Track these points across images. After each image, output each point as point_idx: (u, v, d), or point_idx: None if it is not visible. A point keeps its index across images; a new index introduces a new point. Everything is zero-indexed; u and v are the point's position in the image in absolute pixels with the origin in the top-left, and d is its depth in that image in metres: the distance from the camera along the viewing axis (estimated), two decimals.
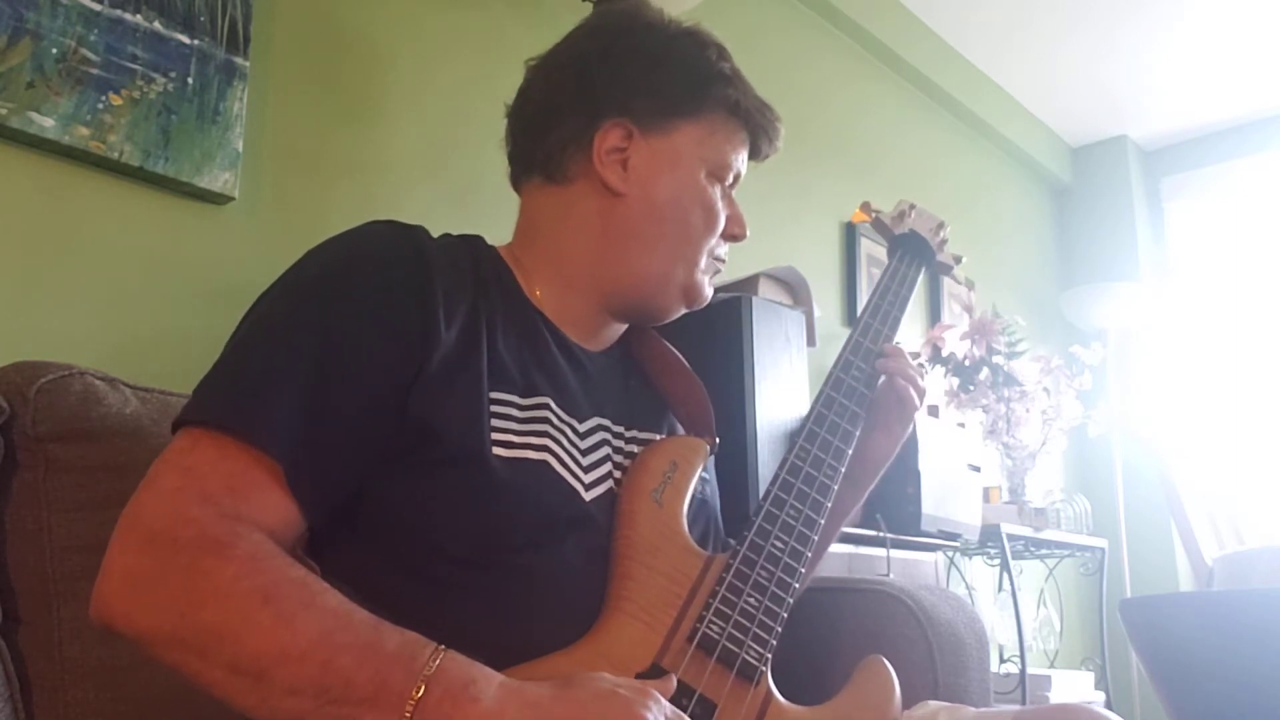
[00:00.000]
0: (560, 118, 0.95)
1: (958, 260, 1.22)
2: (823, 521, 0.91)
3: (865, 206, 1.22)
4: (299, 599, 0.66)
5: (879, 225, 1.21)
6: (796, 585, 0.86)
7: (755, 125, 0.98)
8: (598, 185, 0.93)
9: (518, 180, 0.99)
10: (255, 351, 0.77)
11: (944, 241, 1.21)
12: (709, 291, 0.98)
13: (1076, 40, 3.31)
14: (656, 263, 0.94)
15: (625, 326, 1.01)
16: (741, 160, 0.99)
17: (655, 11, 0.99)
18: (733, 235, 0.99)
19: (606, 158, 0.92)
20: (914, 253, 1.18)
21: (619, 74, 0.94)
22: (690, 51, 0.96)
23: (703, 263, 0.96)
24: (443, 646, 0.66)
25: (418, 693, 0.62)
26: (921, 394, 1.04)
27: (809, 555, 0.88)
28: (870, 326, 1.07)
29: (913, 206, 1.21)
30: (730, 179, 0.98)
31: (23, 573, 0.94)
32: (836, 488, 0.94)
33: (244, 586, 0.65)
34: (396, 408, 0.77)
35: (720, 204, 0.96)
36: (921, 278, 1.19)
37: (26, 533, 0.94)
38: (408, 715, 0.62)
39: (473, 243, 0.96)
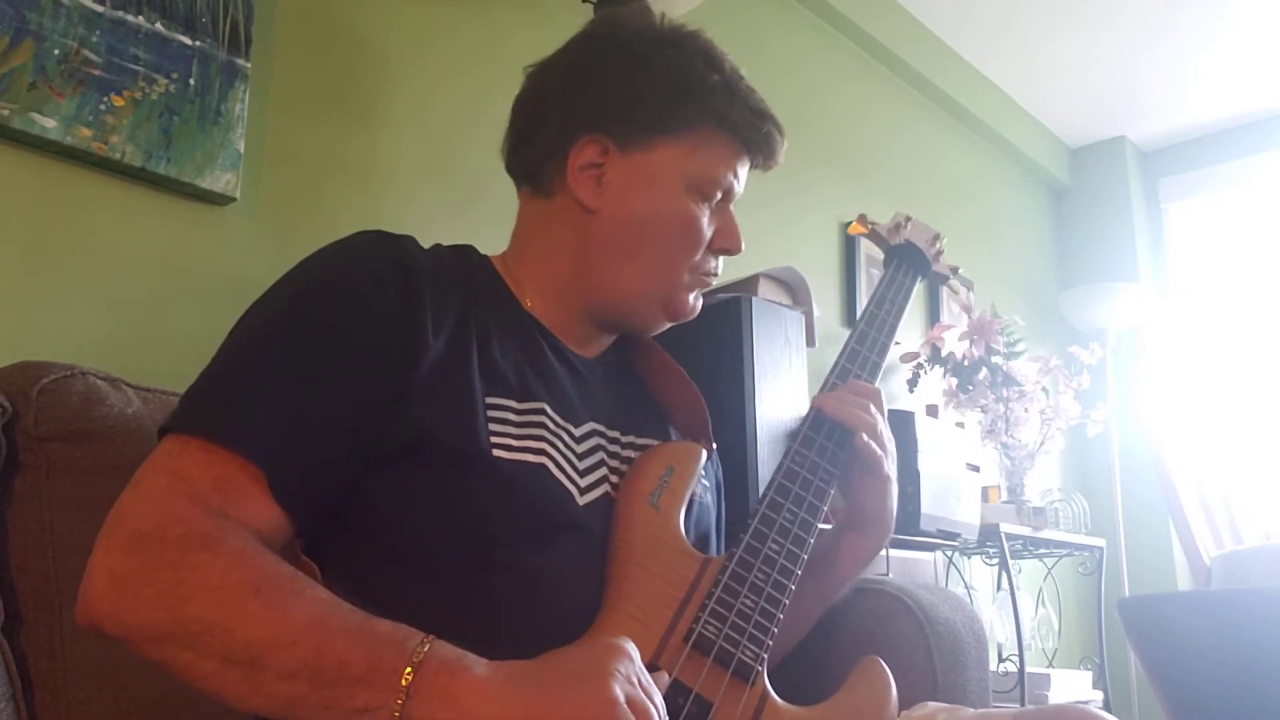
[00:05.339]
0: (540, 130, 0.94)
1: (954, 270, 1.23)
2: (819, 525, 0.91)
3: (862, 219, 1.22)
4: (288, 589, 0.66)
5: (875, 237, 1.21)
6: (792, 586, 0.86)
7: (745, 138, 0.95)
8: (574, 200, 0.92)
9: (516, 187, 1.00)
10: (242, 362, 0.78)
11: (940, 252, 1.21)
12: (695, 306, 0.97)
13: (1075, 41, 3.31)
14: (633, 280, 0.93)
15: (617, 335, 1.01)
16: (734, 174, 0.95)
17: (649, 18, 0.97)
18: (724, 250, 0.97)
19: (580, 174, 0.92)
20: (910, 263, 1.19)
21: (596, 87, 0.93)
22: (674, 63, 0.93)
23: (685, 279, 0.94)
24: (430, 635, 0.66)
25: (411, 668, 0.63)
26: (884, 446, 0.96)
27: (804, 557, 0.88)
28: (867, 335, 1.07)
29: (909, 218, 1.21)
30: (719, 194, 0.95)
31: (25, 572, 0.94)
32: (832, 491, 0.94)
33: (233, 579, 0.65)
34: (383, 416, 0.78)
35: (704, 221, 0.93)
36: (918, 286, 1.19)
37: (29, 532, 0.95)
38: (403, 687, 0.62)
39: (464, 253, 0.96)
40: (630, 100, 0.92)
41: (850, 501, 1.00)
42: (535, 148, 0.95)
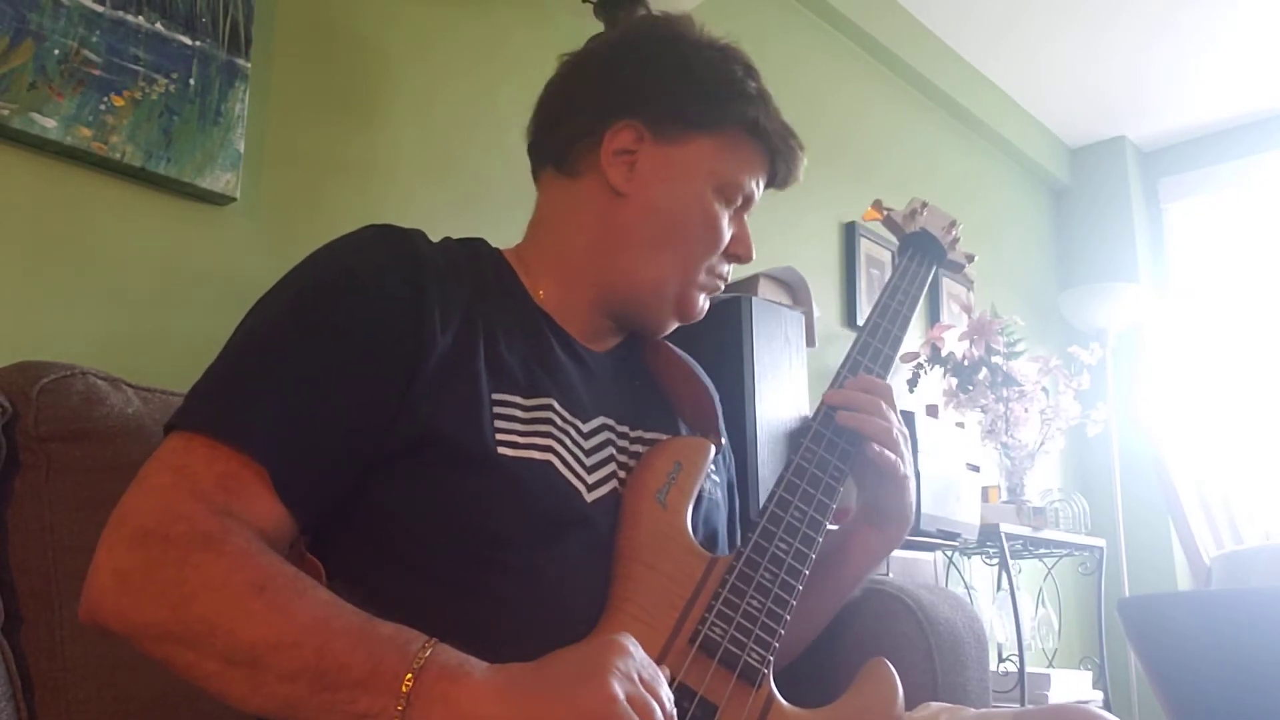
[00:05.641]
0: (575, 111, 0.95)
1: (969, 259, 1.20)
2: (828, 524, 0.91)
3: (877, 205, 1.20)
4: (291, 589, 0.66)
5: (890, 224, 1.19)
6: (800, 587, 0.86)
7: (774, 149, 0.96)
8: (603, 183, 0.93)
9: (536, 173, 1.00)
10: (247, 359, 0.78)
11: (955, 240, 1.19)
12: (702, 308, 0.97)
13: (1075, 41, 3.31)
14: (651, 269, 0.93)
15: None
16: (756, 183, 0.97)
17: (691, 24, 0.98)
18: (736, 256, 0.98)
19: (614, 158, 0.92)
20: (925, 251, 1.16)
21: (639, 76, 0.94)
22: (716, 65, 0.95)
23: (699, 278, 0.95)
24: (433, 638, 0.66)
25: (412, 674, 0.63)
26: (899, 449, 0.96)
27: (813, 556, 0.88)
28: (879, 326, 1.06)
29: (925, 205, 1.19)
30: (740, 200, 0.96)
31: (25, 572, 0.94)
32: (841, 489, 0.94)
33: (237, 579, 0.65)
34: (388, 414, 0.78)
35: (725, 222, 0.95)
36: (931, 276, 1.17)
37: (29, 532, 0.95)
38: (404, 693, 0.62)
39: (473, 246, 0.96)
40: (672, 92, 0.93)
41: (867, 499, 1.00)
42: (567, 128, 0.95)
